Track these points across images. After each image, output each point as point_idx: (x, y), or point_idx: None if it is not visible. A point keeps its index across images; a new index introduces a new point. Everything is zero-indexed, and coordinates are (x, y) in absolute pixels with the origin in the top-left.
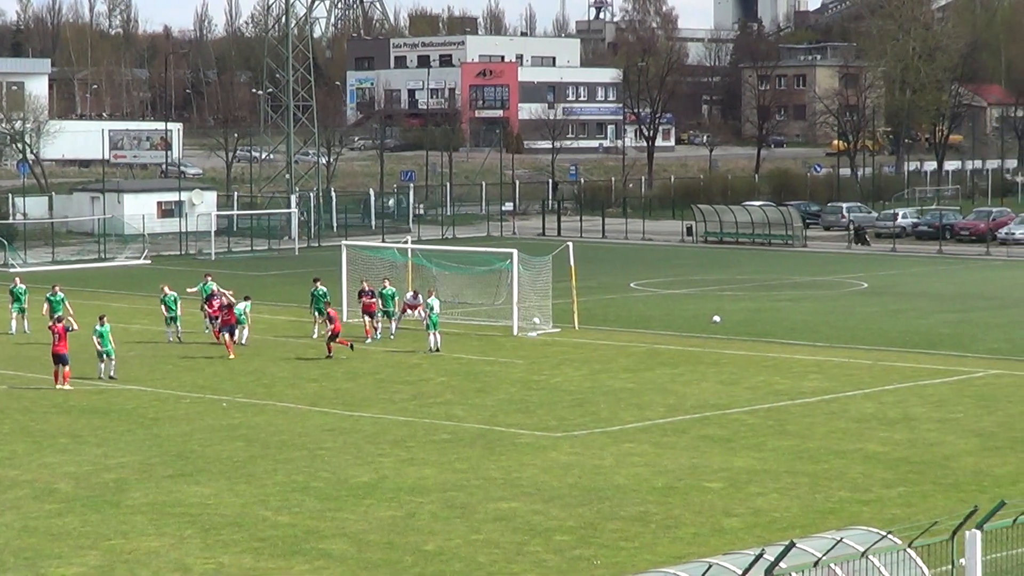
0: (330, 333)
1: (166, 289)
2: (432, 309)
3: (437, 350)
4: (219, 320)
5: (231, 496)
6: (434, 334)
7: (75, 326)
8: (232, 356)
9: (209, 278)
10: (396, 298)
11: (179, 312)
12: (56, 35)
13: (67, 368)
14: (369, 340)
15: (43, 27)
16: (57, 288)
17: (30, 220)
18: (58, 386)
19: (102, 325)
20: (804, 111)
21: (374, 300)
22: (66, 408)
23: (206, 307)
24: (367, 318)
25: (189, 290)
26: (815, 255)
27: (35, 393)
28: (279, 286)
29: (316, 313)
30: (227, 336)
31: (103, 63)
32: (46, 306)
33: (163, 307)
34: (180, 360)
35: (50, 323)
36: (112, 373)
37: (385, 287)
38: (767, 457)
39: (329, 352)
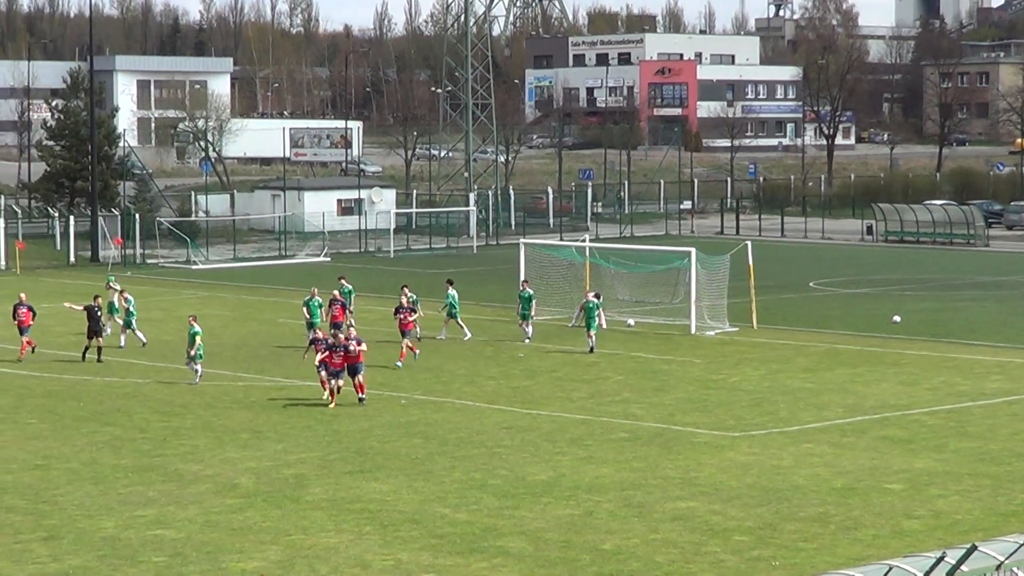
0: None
1: (314, 292)
2: (528, 300)
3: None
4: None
5: (409, 493)
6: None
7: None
8: (332, 405)
9: (342, 280)
10: (535, 301)
11: (323, 319)
12: (238, 34)
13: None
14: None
15: (225, 26)
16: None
17: (212, 218)
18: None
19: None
20: (987, 109)
21: (412, 318)
22: (247, 404)
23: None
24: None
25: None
26: (997, 255)
27: (216, 388)
28: (458, 284)
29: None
30: (337, 381)
31: (284, 62)
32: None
33: (305, 310)
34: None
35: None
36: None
37: (524, 289)
38: (948, 459)
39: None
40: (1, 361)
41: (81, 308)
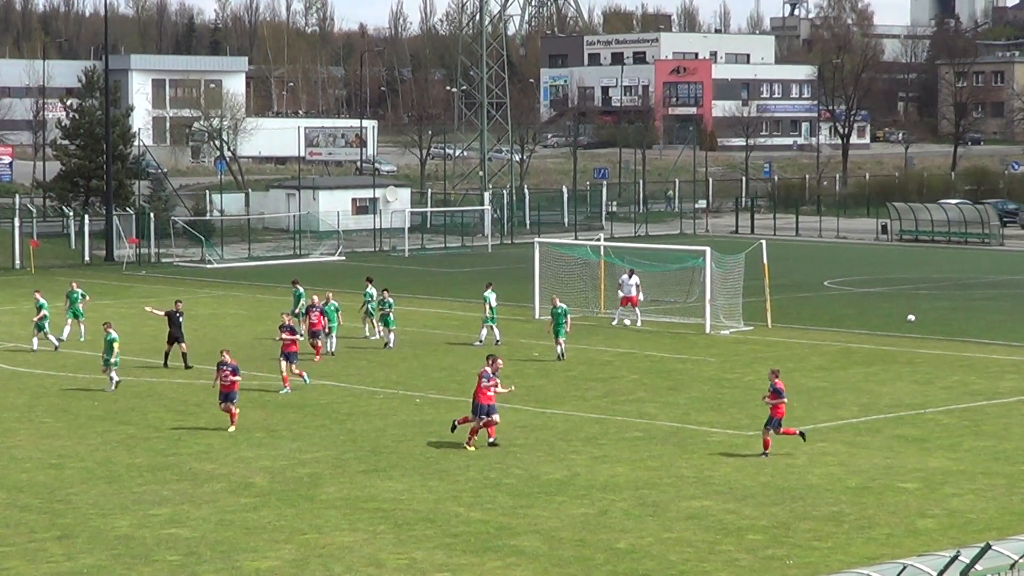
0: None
1: (330, 297)
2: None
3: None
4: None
5: (424, 492)
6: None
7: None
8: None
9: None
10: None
11: (340, 322)
12: (253, 33)
13: None
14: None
15: (241, 26)
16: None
17: (227, 216)
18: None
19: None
20: (1002, 108)
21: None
22: (262, 403)
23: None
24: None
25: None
26: (1012, 254)
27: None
28: (472, 283)
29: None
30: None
31: (299, 61)
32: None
33: (321, 315)
34: (374, 356)
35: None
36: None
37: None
38: (963, 458)
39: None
40: (16, 360)
41: (163, 313)
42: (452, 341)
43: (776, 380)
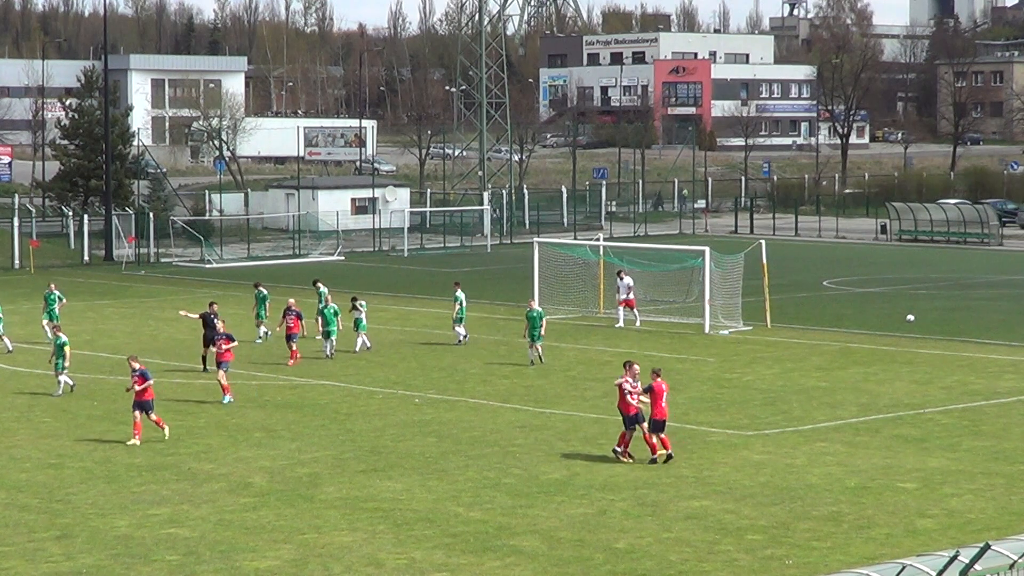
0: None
1: (329, 300)
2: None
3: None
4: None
5: (423, 492)
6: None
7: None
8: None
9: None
10: (545, 319)
11: (339, 327)
12: (252, 33)
13: None
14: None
15: (240, 26)
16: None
17: (226, 216)
18: None
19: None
20: (1001, 108)
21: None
22: (261, 403)
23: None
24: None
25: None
26: (1011, 254)
27: (231, 388)
28: (471, 283)
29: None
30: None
31: (298, 61)
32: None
33: (320, 319)
34: (373, 356)
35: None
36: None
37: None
38: (962, 458)
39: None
40: (15, 360)
41: (197, 316)
42: (452, 341)
43: (656, 380)
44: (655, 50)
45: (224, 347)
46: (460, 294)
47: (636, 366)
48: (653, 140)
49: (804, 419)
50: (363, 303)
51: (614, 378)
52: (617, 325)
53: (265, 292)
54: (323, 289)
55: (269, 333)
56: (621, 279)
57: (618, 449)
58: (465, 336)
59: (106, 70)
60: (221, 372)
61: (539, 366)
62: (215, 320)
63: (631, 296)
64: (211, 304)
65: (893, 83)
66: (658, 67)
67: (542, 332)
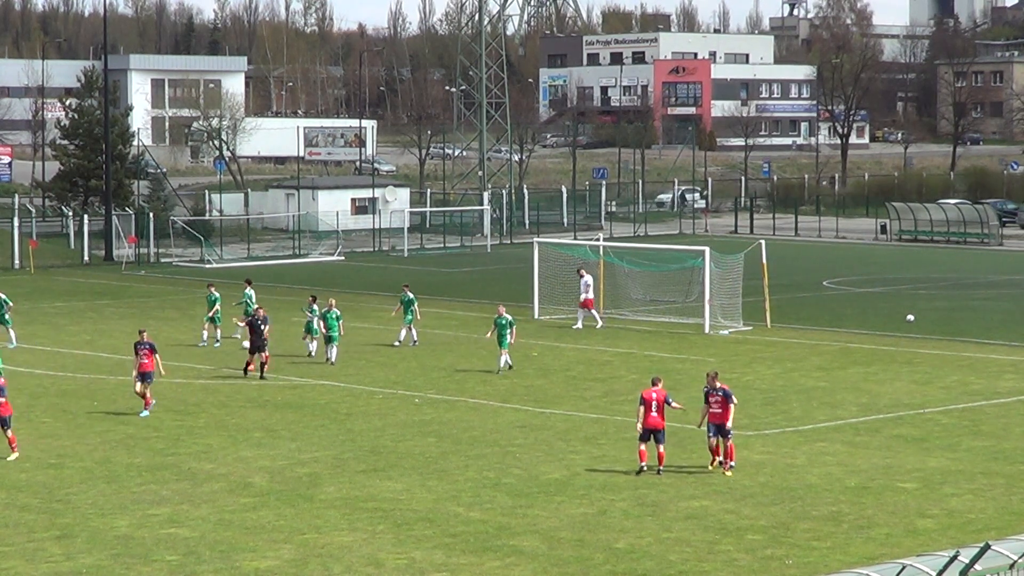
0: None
1: (332, 304)
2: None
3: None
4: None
5: (423, 492)
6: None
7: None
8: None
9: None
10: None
11: (341, 332)
12: (252, 33)
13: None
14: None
15: (240, 26)
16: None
17: (226, 216)
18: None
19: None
20: (1001, 108)
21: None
22: (261, 403)
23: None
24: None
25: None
26: (1011, 253)
27: (230, 387)
28: (472, 283)
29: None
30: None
31: (298, 61)
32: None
33: (322, 323)
34: (373, 356)
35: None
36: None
37: (330, 308)
38: (962, 458)
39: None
40: (15, 360)
41: (244, 323)
42: (450, 340)
43: (649, 389)
44: (655, 50)
45: (145, 360)
46: (410, 295)
47: (715, 373)
48: (653, 140)
49: (804, 419)
50: (330, 310)
51: (615, 379)
52: (575, 327)
53: (217, 295)
54: (249, 291)
55: (219, 343)
56: (581, 277)
57: (717, 461)
58: (411, 339)
59: (106, 70)
60: (140, 384)
61: (539, 366)
62: (263, 326)
63: (590, 295)
64: (257, 308)
65: (893, 83)
66: (658, 67)
67: (511, 340)
